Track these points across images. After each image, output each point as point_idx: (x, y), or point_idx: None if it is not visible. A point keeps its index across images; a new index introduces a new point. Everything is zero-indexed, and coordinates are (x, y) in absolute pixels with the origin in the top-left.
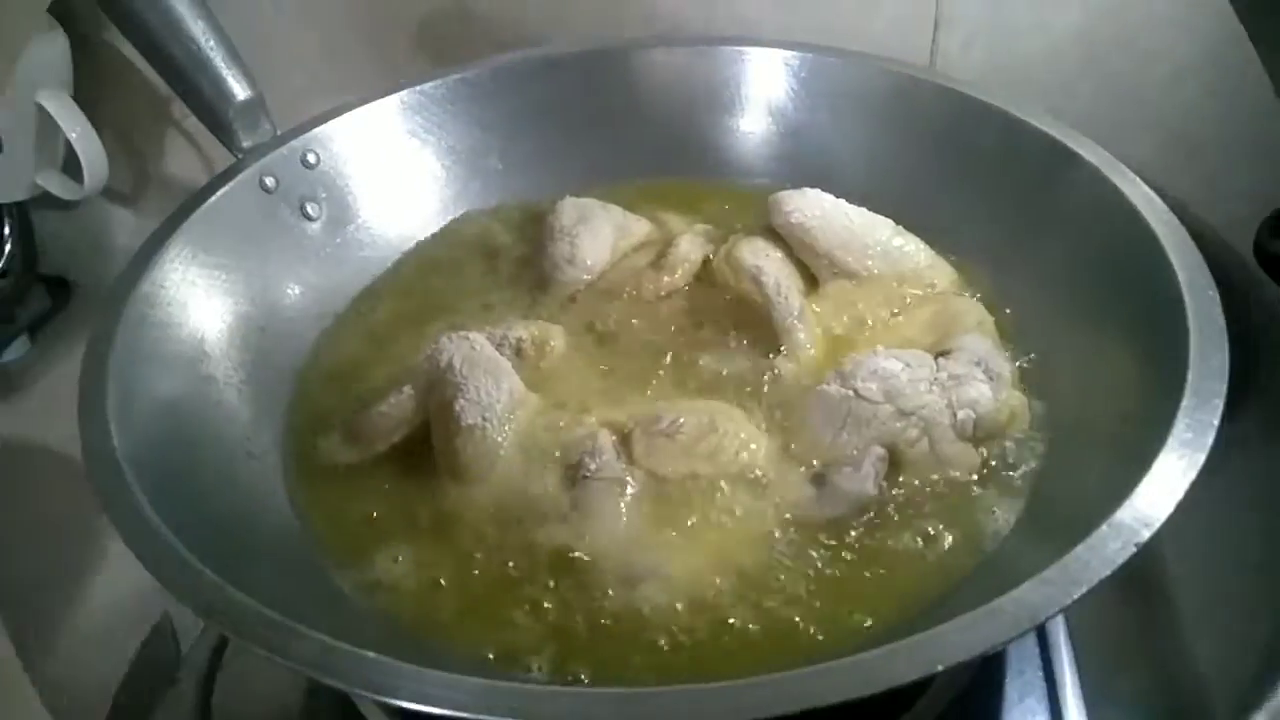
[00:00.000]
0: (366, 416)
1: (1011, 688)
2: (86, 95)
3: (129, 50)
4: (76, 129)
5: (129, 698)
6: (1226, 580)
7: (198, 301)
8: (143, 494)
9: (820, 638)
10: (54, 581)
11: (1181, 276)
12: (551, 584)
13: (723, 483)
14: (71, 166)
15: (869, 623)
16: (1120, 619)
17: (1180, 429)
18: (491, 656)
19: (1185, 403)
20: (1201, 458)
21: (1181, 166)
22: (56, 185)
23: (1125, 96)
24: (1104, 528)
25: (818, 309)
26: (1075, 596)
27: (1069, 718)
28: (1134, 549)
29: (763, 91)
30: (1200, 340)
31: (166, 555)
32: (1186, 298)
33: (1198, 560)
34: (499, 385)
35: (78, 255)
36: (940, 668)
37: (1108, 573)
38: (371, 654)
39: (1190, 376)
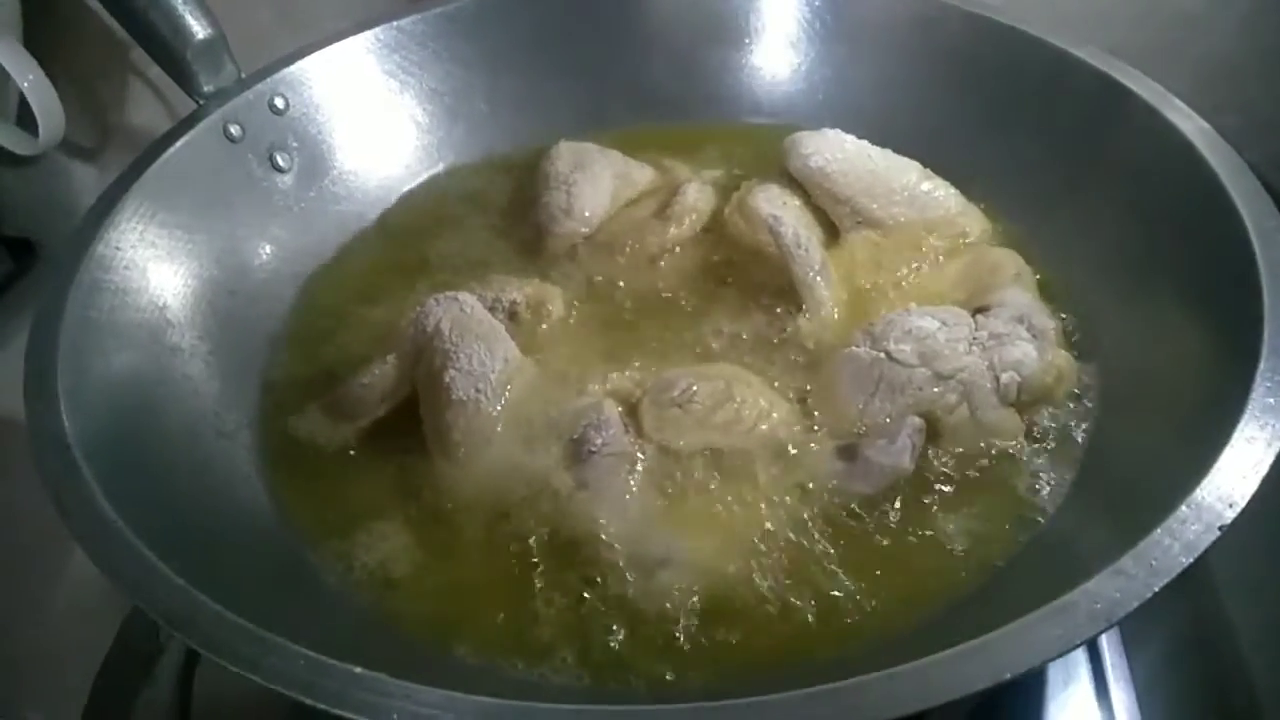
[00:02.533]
0: (347, 389)
1: (1054, 670)
2: (39, 42)
3: None
4: (29, 78)
5: (108, 682)
6: (1274, 556)
7: (158, 265)
8: (96, 483)
9: (857, 631)
10: (27, 563)
11: (1248, 220)
12: (558, 573)
13: (741, 457)
14: (26, 120)
15: (911, 612)
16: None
17: (1260, 393)
18: (497, 657)
19: (1263, 364)
20: None
21: (1221, 101)
22: (10, 139)
23: (1163, 24)
24: (1183, 509)
25: (840, 262)
26: (1157, 589)
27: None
28: (1218, 533)
29: (775, 22)
30: (1274, 290)
31: (122, 553)
32: (1255, 243)
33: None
34: (492, 352)
35: (40, 214)
36: (1009, 676)
37: (1190, 560)
38: (359, 669)
39: (1266, 333)
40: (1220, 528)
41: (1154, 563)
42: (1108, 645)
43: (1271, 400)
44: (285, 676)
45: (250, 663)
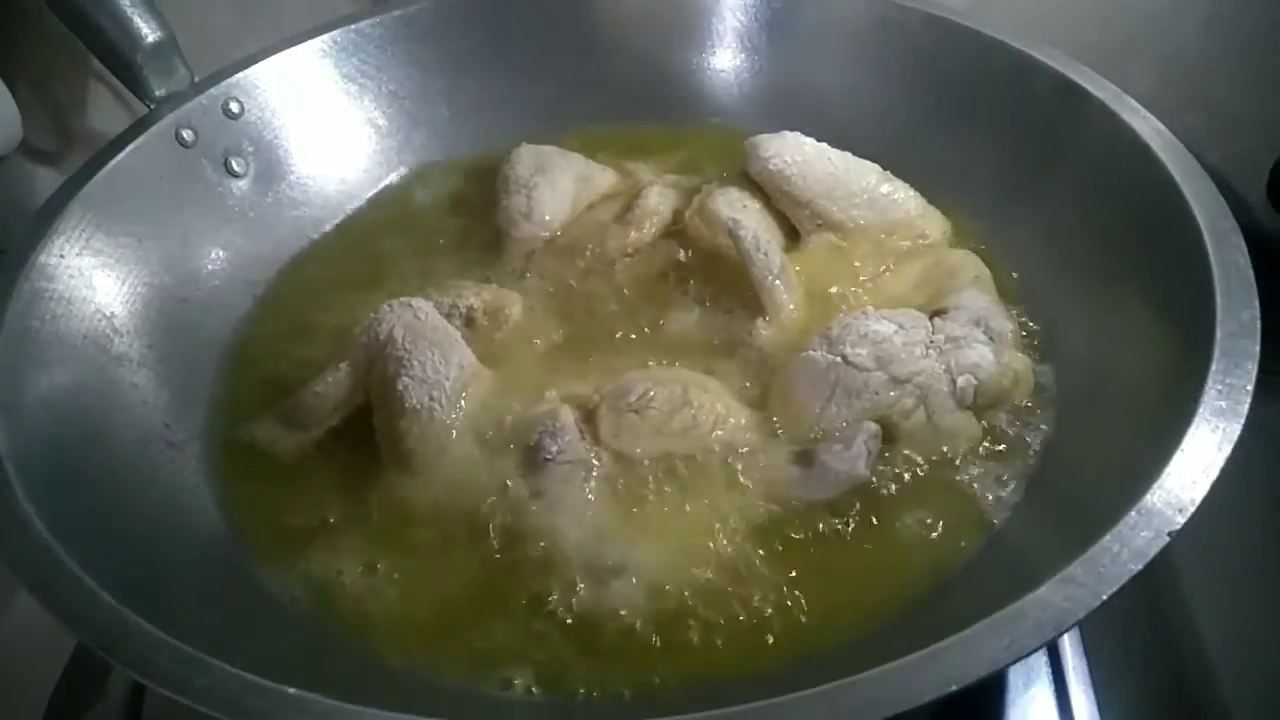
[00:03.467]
0: (300, 398)
1: (1015, 672)
2: None
3: None
4: None
5: (64, 700)
6: (1235, 555)
7: (105, 272)
8: (29, 499)
9: (809, 639)
10: None
11: (1202, 221)
12: (511, 583)
13: (698, 463)
14: None
15: (865, 619)
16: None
17: (1211, 396)
18: (446, 669)
19: (1215, 366)
20: (1237, 428)
21: (1184, 100)
22: None
23: (1127, 25)
24: (1132, 515)
25: (800, 265)
26: (1105, 597)
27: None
28: (1167, 539)
29: (736, 24)
30: (1227, 293)
31: (53, 574)
32: (1209, 245)
33: (1204, 533)
34: (447, 360)
35: (1, 218)
36: (954, 687)
37: (1139, 567)
38: (292, 690)
39: (1218, 335)
40: (1170, 534)
41: (1102, 570)
42: (1069, 647)
43: (1223, 403)
44: (215, 698)
45: (180, 683)
